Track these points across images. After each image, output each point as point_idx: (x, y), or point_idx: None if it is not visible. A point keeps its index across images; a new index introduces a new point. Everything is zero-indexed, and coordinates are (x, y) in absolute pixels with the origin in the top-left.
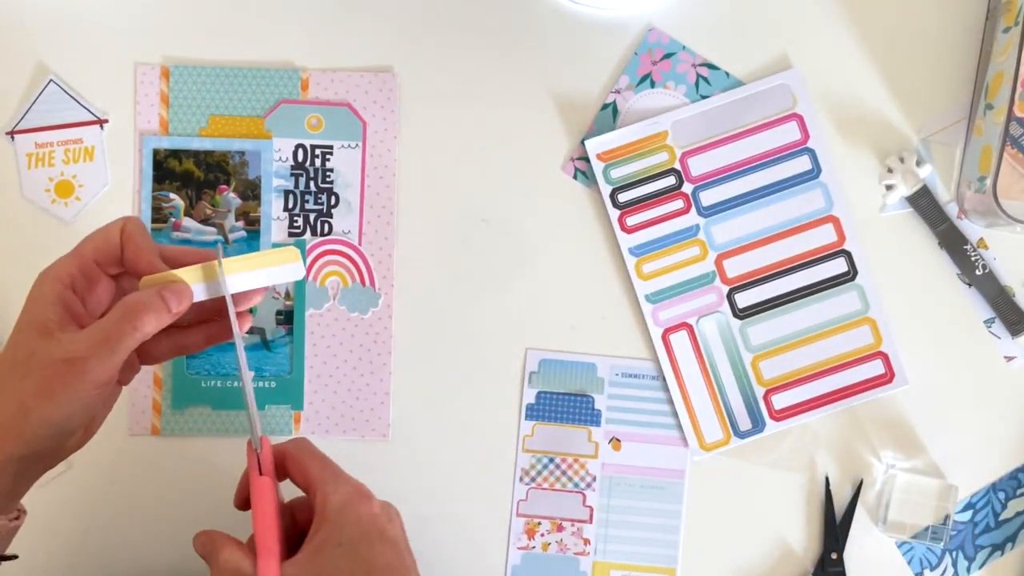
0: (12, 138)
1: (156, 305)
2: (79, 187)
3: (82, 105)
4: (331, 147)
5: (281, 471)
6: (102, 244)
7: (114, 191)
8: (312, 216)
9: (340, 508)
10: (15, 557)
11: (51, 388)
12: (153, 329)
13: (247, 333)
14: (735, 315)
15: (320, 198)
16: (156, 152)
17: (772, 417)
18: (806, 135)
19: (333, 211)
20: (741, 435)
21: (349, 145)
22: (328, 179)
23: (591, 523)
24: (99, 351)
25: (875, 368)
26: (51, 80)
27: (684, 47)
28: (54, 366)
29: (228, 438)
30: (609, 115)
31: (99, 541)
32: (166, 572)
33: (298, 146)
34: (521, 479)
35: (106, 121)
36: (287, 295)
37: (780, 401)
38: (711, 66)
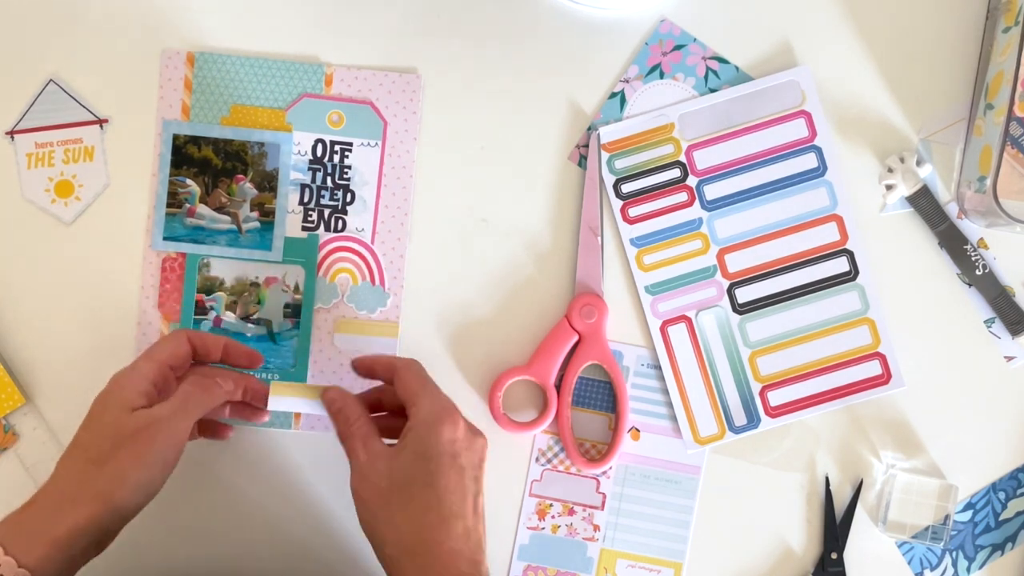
0: (12, 138)
1: (218, 384)
2: (79, 187)
3: (82, 105)
4: (350, 144)
5: (390, 379)
6: (176, 351)
7: (125, 180)
8: (327, 212)
9: (426, 423)
10: None
11: (142, 452)
12: (215, 402)
13: (254, 323)
14: (734, 310)
15: (336, 194)
16: (176, 137)
17: (767, 413)
18: (813, 132)
19: (348, 208)
20: (736, 430)
21: (368, 143)
22: (345, 176)
23: (602, 510)
24: (179, 411)
25: (872, 369)
26: (51, 80)
27: (695, 39)
28: (145, 431)
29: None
30: (617, 104)
31: None
32: (164, 571)
33: (318, 141)
34: (537, 459)
35: (106, 121)
36: (296, 288)
37: (776, 398)
38: (721, 59)
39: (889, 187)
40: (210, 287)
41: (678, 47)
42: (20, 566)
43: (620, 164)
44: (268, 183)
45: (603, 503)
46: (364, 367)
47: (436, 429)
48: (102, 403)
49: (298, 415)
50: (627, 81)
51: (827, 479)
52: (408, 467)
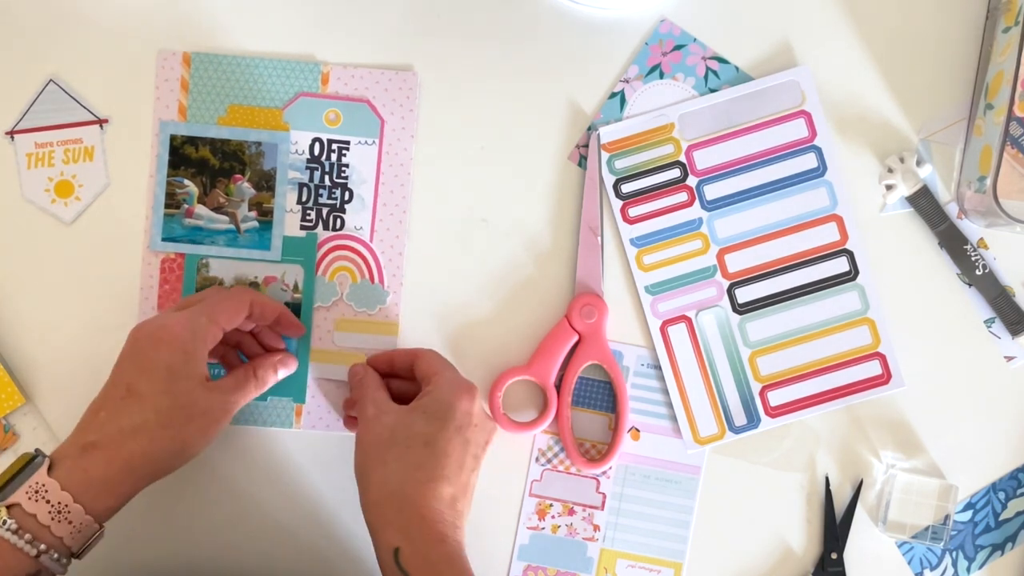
0: (12, 138)
1: (274, 369)
2: (79, 187)
3: (82, 105)
4: (348, 143)
5: (409, 370)
6: (237, 316)
7: (125, 180)
8: (325, 210)
9: (447, 387)
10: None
11: (211, 430)
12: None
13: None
14: (734, 310)
15: (334, 193)
16: (173, 138)
17: (767, 413)
18: (813, 132)
19: (346, 207)
20: (736, 430)
21: (366, 142)
22: (343, 174)
23: (602, 510)
24: (243, 396)
25: (872, 369)
26: (51, 80)
27: (695, 39)
28: (220, 412)
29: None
30: (617, 104)
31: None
32: (163, 568)
33: (315, 140)
34: (537, 459)
35: (106, 121)
36: (295, 287)
37: (776, 398)
38: (721, 59)
39: (889, 187)
40: (209, 287)
41: (678, 47)
42: (87, 513)
43: (620, 164)
44: (266, 182)
45: (603, 503)
46: (383, 361)
47: (454, 397)
48: (169, 367)
49: (299, 413)
50: (627, 81)
51: (827, 479)
52: (414, 424)
